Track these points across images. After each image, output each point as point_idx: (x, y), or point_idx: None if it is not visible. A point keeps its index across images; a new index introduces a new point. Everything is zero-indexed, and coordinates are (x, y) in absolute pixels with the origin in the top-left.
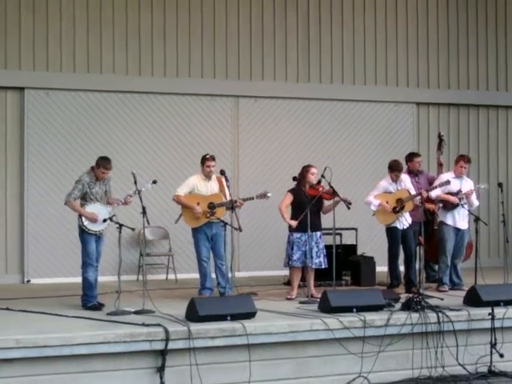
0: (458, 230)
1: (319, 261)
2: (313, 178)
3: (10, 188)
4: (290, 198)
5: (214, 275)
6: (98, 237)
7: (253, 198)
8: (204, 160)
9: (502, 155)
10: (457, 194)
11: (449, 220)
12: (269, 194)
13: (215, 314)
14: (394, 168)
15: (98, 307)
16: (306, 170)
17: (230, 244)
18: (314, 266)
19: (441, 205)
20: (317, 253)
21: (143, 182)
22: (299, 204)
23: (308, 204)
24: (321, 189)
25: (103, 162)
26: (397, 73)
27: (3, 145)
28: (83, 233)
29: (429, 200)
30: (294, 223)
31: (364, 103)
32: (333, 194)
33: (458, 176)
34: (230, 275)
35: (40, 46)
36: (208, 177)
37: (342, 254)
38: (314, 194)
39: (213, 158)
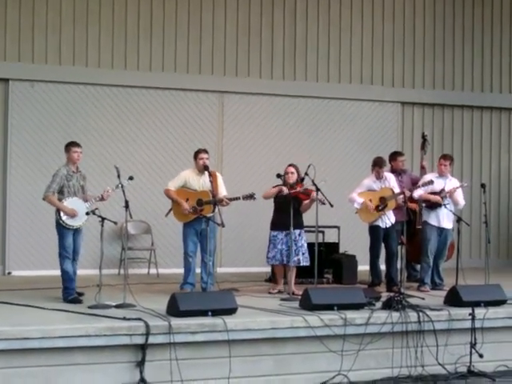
0: (441, 230)
1: (297, 259)
2: (289, 176)
3: None
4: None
5: (198, 270)
6: (76, 230)
7: (239, 199)
8: (197, 153)
9: (486, 156)
10: (440, 192)
11: (433, 220)
12: (255, 196)
13: (196, 310)
14: (376, 163)
15: (79, 300)
16: (284, 170)
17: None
18: (292, 264)
19: (424, 204)
20: (295, 251)
21: (120, 178)
22: (279, 203)
23: (285, 204)
24: (298, 188)
25: (70, 144)
26: (382, 72)
27: None
28: (60, 227)
29: (411, 200)
30: (284, 189)
31: (349, 101)
32: (316, 190)
33: (442, 175)
34: (211, 270)
35: (26, 38)
36: (201, 171)
37: (324, 252)
38: (291, 194)
39: (206, 151)
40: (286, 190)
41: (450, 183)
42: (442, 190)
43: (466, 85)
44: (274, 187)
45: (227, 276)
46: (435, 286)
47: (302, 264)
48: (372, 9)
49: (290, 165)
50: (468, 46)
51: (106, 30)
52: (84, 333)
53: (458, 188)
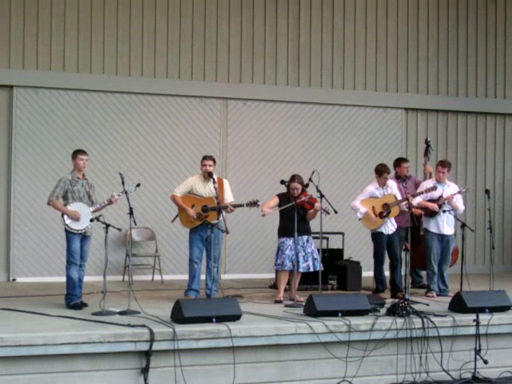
0: (442, 237)
1: (307, 265)
2: (295, 192)
3: None
4: (274, 201)
5: (203, 277)
6: (84, 236)
7: (242, 205)
8: (202, 159)
9: (490, 162)
10: (438, 199)
11: (432, 227)
12: (259, 203)
13: (200, 316)
14: (383, 171)
15: (80, 306)
16: (289, 183)
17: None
18: (301, 270)
19: (422, 212)
20: (304, 257)
21: (127, 185)
22: (284, 211)
23: (291, 211)
24: (303, 198)
25: (77, 151)
26: (386, 78)
27: None
28: (66, 232)
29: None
30: (266, 210)
31: (353, 108)
32: (320, 197)
33: (439, 181)
34: (216, 277)
35: (30, 45)
36: (206, 177)
37: (328, 258)
38: (296, 203)
39: (211, 158)
40: (266, 212)
41: (449, 189)
42: (440, 196)
43: (469, 91)
44: (276, 196)
45: (231, 282)
46: (440, 292)
47: (311, 270)
48: (376, 15)
49: (293, 179)
50: (472, 51)
51: (110, 37)
52: (88, 339)
53: (455, 194)
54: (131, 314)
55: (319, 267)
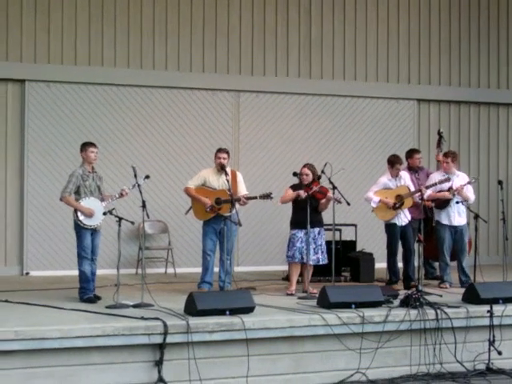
0: (454, 228)
1: (317, 257)
2: (304, 178)
3: (9, 180)
4: (289, 192)
5: (217, 269)
6: (94, 230)
7: (256, 198)
8: (216, 152)
9: (503, 153)
10: (448, 191)
11: (444, 219)
12: (272, 195)
13: (214, 309)
14: (395, 162)
15: (94, 300)
16: (300, 172)
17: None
18: (311, 263)
19: (433, 205)
20: (314, 249)
21: (138, 177)
22: (297, 202)
23: (304, 202)
24: (314, 187)
25: (87, 144)
26: (398, 69)
27: (3, 137)
28: (78, 227)
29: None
30: (302, 193)
31: (365, 99)
32: (333, 188)
33: (447, 173)
34: (229, 269)
35: (41, 39)
36: (219, 170)
37: (341, 250)
38: (308, 194)
39: (225, 151)
40: (303, 194)
41: (458, 180)
42: (450, 188)
43: (482, 81)
44: (290, 187)
45: (244, 275)
46: (463, 283)
47: (321, 262)
48: (387, 6)
49: (304, 166)
50: (484, 42)
51: (121, 30)
52: (102, 332)
53: (465, 185)
54: (145, 306)
55: (325, 261)
